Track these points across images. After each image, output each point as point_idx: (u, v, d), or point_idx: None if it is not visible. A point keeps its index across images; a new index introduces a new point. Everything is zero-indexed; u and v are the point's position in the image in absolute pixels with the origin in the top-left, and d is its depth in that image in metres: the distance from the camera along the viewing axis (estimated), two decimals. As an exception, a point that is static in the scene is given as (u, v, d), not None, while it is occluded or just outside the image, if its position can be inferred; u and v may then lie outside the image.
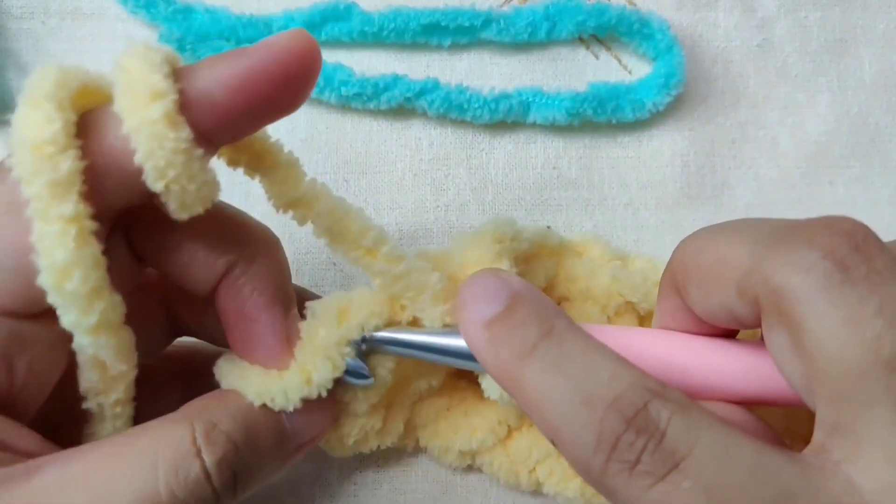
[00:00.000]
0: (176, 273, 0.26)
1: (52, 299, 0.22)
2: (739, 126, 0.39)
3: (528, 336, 0.24)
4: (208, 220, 0.24)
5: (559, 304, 0.33)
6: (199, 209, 0.23)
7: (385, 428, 0.31)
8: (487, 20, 0.38)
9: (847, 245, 0.21)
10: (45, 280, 0.21)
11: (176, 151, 0.21)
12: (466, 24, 0.38)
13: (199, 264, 0.26)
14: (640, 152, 0.39)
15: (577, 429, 0.21)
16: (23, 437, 0.23)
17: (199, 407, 0.25)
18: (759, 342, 0.26)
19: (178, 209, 0.23)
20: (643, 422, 0.21)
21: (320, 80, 0.37)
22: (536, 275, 0.32)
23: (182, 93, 0.21)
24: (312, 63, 0.23)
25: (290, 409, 0.26)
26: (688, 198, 0.39)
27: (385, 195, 0.38)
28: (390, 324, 0.28)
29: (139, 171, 0.21)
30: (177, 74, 0.22)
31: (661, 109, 0.38)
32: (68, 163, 0.21)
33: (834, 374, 0.20)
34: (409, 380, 0.31)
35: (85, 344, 0.23)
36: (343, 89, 0.37)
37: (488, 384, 0.29)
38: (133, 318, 0.25)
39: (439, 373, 0.32)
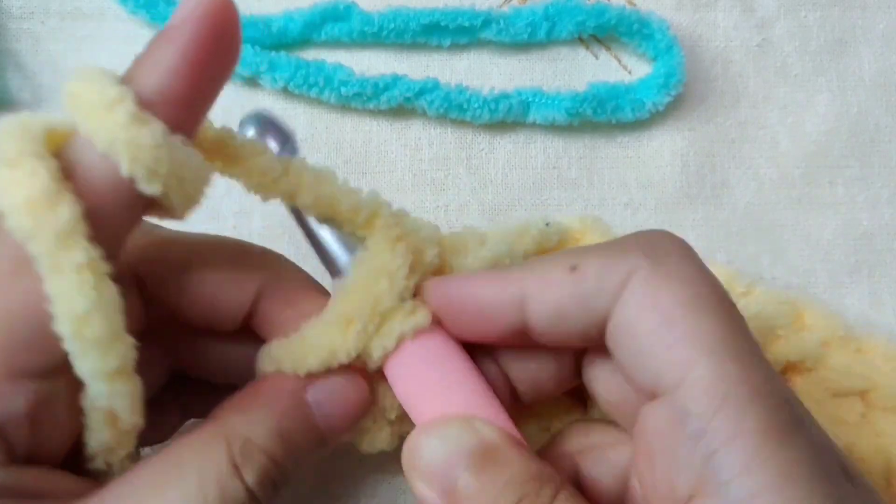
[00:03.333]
0: (201, 310, 0.27)
1: (69, 347, 0.21)
2: (739, 126, 0.40)
3: None
4: (223, 253, 0.26)
5: None
6: (199, 198, 0.23)
7: None
8: (487, 20, 0.38)
9: None
10: (62, 328, 0.21)
11: (157, 146, 0.21)
12: (466, 24, 0.38)
13: (227, 294, 0.26)
14: (640, 152, 0.39)
15: None
16: (59, 479, 0.23)
17: (231, 421, 0.25)
18: None
19: (182, 204, 0.23)
20: None
21: (320, 80, 0.37)
22: None
23: (139, 94, 0.21)
24: (231, 14, 0.23)
25: (352, 355, 0.26)
26: (688, 198, 0.39)
27: (385, 195, 0.38)
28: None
29: (131, 188, 0.21)
30: (126, 81, 0.22)
31: (661, 109, 0.38)
32: (67, 209, 0.20)
33: None
34: None
35: (102, 393, 0.22)
36: (343, 89, 0.37)
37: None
38: (139, 364, 0.26)
39: None
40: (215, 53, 0.22)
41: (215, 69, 0.23)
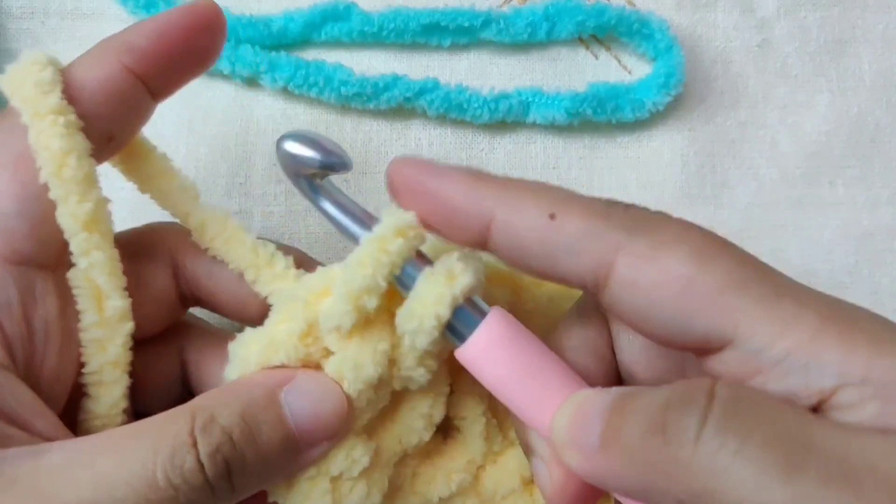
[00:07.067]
0: (228, 297, 0.30)
1: (53, 192, 0.24)
2: (739, 126, 0.40)
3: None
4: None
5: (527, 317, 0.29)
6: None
7: (373, 469, 0.28)
8: (487, 20, 0.38)
9: None
10: (45, 172, 0.24)
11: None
12: (466, 24, 0.38)
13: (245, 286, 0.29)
14: (640, 152, 0.39)
15: None
16: (42, 416, 0.25)
17: (202, 400, 0.26)
18: None
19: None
20: None
21: (320, 80, 0.37)
22: (498, 300, 0.29)
23: (127, 41, 0.26)
24: (213, 17, 0.27)
25: (299, 350, 0.26)
26: (688, 198, 0.39)
27: (385, 195, 0.38)
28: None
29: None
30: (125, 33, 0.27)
31: (661, 109, 0.38)
32: (52, 69, 0.25)
33: None
34: (397, 434, 0.29)
35: (81, 249, 0.25)
36: (343, 89, 0.37)
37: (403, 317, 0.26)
38: (154, 363, 0.30)
39: (431, 425, 0.29)
40: (184, 35, 0.27)
41: (182, 48, 0.27)
